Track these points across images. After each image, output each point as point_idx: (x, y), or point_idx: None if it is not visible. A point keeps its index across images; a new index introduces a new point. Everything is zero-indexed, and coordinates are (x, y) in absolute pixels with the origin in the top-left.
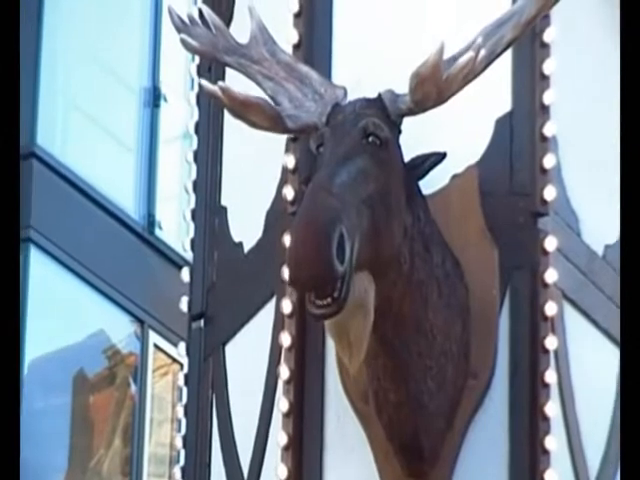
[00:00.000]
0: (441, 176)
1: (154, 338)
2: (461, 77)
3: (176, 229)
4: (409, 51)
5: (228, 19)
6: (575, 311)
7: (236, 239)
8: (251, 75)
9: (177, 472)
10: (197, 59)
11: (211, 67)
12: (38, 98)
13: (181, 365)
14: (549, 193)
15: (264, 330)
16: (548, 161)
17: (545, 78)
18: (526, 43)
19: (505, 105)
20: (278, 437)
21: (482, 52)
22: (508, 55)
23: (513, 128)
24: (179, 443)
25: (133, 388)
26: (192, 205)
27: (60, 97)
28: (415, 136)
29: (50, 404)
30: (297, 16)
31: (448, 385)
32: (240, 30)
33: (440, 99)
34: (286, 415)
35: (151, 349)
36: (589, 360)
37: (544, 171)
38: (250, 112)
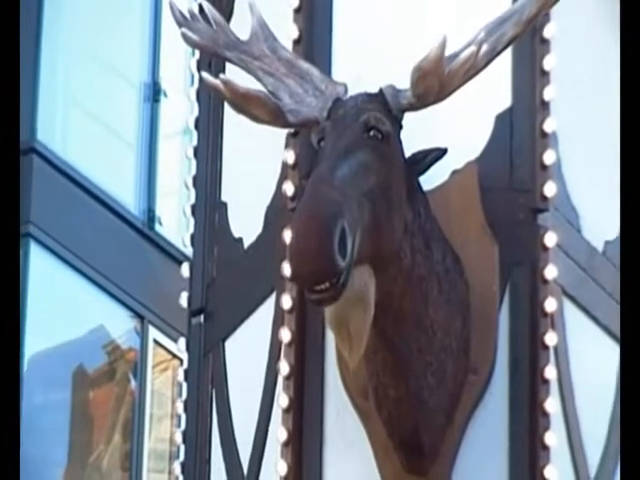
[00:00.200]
0: (441, 172)
1: (154, 334)
2: (462, 72)
3: (176, 224)
4: (409, 48)
5: (228, 15)
6: (575, 307)
7: (236, 235)
8: (252, 71)
9: (177, 467)
10: (197, 54)
11: (211, 63)
12: (38, 93)
13: (181, 361)
14: (549, 189)
15: (264, 326)
16: (548, 157)
17: (545, 74)
18: (526, 39)
19: (505, 101)
20: (278, 433)
21: (484, 47)
22: (508, 51)
23: (513, 124)
24: (179, 439)
25: (133, 384)
26: (192, 200)
27: (60, 92)
28: (415, 132)
29: (50, 399)
30: (297, 12)
31: (448, 381)
32: (240, 26)
33: (441, 94)
34: (286, 411)
35: (151, 345)
36: (589, 356)
37: (544, 167)
38: (251, 105)
